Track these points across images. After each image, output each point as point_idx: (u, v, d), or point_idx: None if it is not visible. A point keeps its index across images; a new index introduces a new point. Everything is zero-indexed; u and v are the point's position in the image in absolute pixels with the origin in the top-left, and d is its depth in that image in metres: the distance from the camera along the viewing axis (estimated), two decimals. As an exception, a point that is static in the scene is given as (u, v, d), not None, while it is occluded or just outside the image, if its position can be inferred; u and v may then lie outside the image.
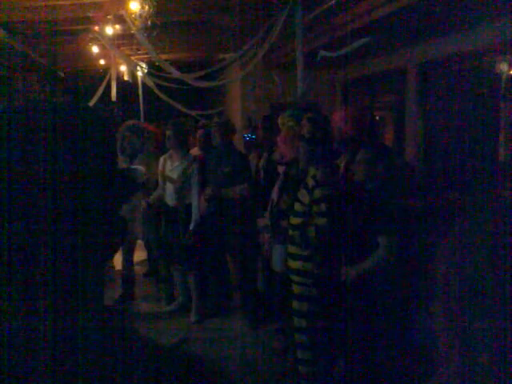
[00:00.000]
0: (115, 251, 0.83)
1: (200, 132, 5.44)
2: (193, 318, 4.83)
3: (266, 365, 3.94)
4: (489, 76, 4.82)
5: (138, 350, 0.83)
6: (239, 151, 4.91)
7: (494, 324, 1.25)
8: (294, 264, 3.30)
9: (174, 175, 4.73)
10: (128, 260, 5.40)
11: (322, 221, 3.10)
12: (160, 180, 4.89)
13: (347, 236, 3.06)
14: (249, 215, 4.41)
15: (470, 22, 4.14)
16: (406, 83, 5.64)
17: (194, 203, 4.63)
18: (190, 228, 4.61)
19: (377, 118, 7.18)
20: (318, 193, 3.12)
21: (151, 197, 4.91)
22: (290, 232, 3.30)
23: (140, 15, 5.05)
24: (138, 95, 9.69)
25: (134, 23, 5.31)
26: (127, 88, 9.37)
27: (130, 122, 5.42)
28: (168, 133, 4.77)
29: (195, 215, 4.61)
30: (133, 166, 5.85)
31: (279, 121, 4.25)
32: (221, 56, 8.69)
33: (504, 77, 4.73)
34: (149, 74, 8.52)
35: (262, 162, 4.66)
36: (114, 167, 0.78)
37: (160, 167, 4.87)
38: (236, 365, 3.98)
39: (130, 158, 5.24)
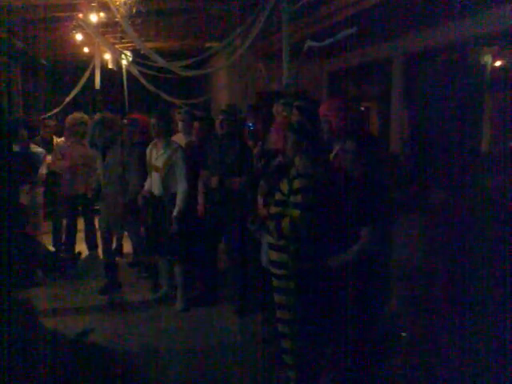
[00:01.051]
0: (16, 240, 0.83)
1: (196, 124, 5.37)
2: (178, 306, 4.86)
3: (252, 354, 3.97)
4: (473, 67, 4.86)
5: (39, 341, 0.84)
6: (243, 142, 4.90)
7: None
8: (272, 255, 3.32)
9: (159, 164, 4.71)
10: (106, 249, 5.41)
11: (296, 212, 3.09)
12: (148, 170, 4.87)
13: (325, 228, 3.07)
14: (247, 206, 4.41)
15: (454, 13, 4.16)
16: (391, 74, 5.66)
17: (180, 190, 4.63)
18: (174, 214, 4.60)
19: (362, 108, 7.20)
20: (296, 183, 3.11)
21: (144, 188, 4.88)
22: (268, 222, 3.31)
23: (125, 3, 5.00)
24: (122, 84, 9.60)
25: (118, 11, 5.24)
26: (111, 76, 9.27)
27: (99, 116, 5.35)
28: (152, 121, 4.76)
29: (180, 201, 4.61)
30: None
31: (274, 110, 4.24)
32: (207, 45, 8.64)
33: (488, 68, 4.78)
34: (134, 62, 8.44)
35: (256, 151, 4.65)
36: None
37: (147, 157, 4.86)
38: (222, 353, 4.02)
39: (102, 151, 5.20)
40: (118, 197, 5.06)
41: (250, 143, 4.96)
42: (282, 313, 3.31)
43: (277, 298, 3.32)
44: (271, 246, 3.33)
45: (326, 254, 3.07)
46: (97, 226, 6.07)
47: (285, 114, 3.91)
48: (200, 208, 4.88)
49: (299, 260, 3.17)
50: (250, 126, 5.24)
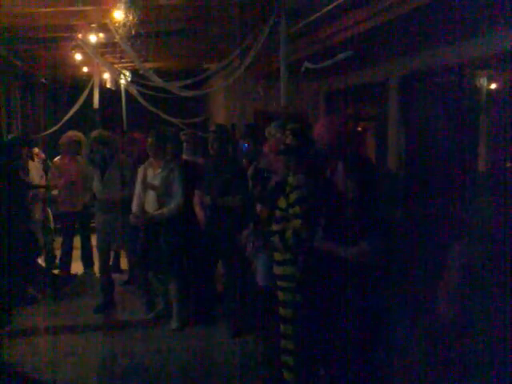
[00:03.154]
0: None
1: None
2: (173, 325, 4.82)
3: (248, 374, 3.94)
4: (469, 89, 4.91)
5: None
6: (237, 160, 4.92)
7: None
8: (278, 270, 3.37)
9: (156, 182, 4.72)
10: (104, 268, 5.38)
11: (297, 222, 3.18)
12: (139, 188, 4.86)
13: (327, 238, 3.10)
14: (242, 225, 4.42)
15: (450, 36, 4.21)
16: (387, 95, 5.71)
17: (172, 205, 4.68)
18: (153, 214, 4.66)
19: (359, 129, 7.24)
20: (292, 196, 3.25)
21: (134, 208, 4.86)
22: (272, 238, 3.37)
23: (124, 24, 5.04)
24: (121, 103, 9.65)
25: (117, 32, 5.29)
26: (110, 96, 9.33)
27: (96, 133, 5.38)
28: (149, 141, 4.78)
29: (167, 210, 4.66)
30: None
31: (266, 132, 4.29)
32: (205, 66, 8.71)
33: (484, 90, 4.82)
34: (132, 82, 8.50)
35: (250, 171, 4.67)
36: None
37: (140, 175, 4.86)
38: (217, 374, 3.98)
39: (101, 168, 5.21)
40: (116, 214, 5.05)
41: (245, 162, 4.98)
42: (286, 327, 3.32)
43: (282, 311, 3.33)
44: (276, 262, 3.38)
45: (331, 263, 3.07)
46: (93, 243, 6.05)
47: (278, 135, 3.97)
48: (201, 221, 4.84)
49: (306, 271, 3.20)
50: (244, 146, 5.27)
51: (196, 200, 4.84)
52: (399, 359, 2.72)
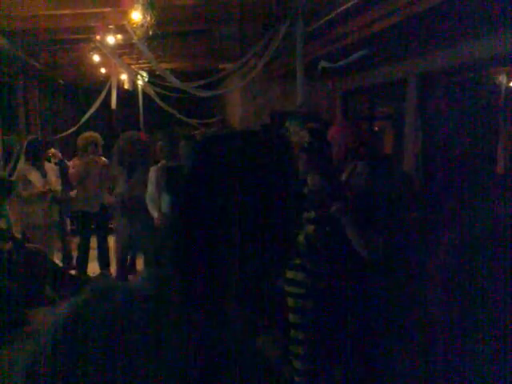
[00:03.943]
0: None
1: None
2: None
3: (262, 375, 3.91)
4: (488, 88, 4.85)
5: None
6: None
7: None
8: (289, 273, 3.31)
9: None
10: (121, 268, 5.42)
11: (310, 228, 3.13)
12: (152, 190, 4.87)
13: (340, 245, 3.07)
14: None
15: (469, 34, 4.17)
16: (405, 94, 5.66)
17: None
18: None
19: (376, 128, 7.20)
20: (308, 200, 3.18)
21: (151, 210, 4.88)
22: None
23: (142, 25, 5.07)
24: (137, 104, 9.72)
25: (135, 33, 5.33)
26: (127, 96, 9.40)
27: (129, 133, 5.42)
28: (161, 143, 4.78)
29: None
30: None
31: (291, 130, 4.29)
32: (221, 66, 8.74)
33: (503, 89, 4.76)
34: (149, 82, 8.55)
35: None
36: None
37: (154, 177, 4.87)
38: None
39: (128, 170, 5.23)
40: (139, 215, 5.06)
41: None
42: (297, 333, 3.29)
43: (292, 317, 3.30)
44: (288, 266, 3.33)
45: (342, 270, 3.06)
46: (111, 244, 6.09)
47: (296, 139, 3.96)
48: None
49: (317, 277, 3.17)
50: None
51: None
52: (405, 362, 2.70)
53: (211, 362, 0.76)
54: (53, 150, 7.04)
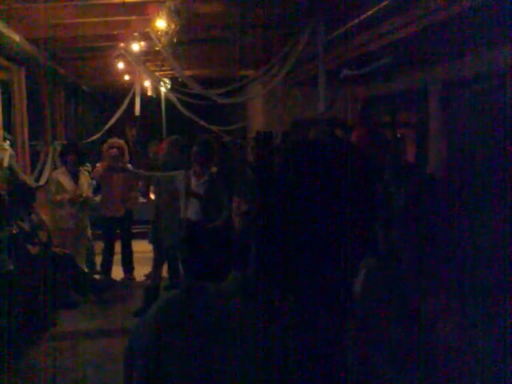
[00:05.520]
0: None
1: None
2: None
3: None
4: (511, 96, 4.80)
5: None
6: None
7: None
8: None
9: (201, 191, 4.76)
10: (157, 271, 5.45)
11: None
12: (183, 196, 4.92)
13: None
14: None
15: (491, 42, 4.15)
16: (428, 102, 5.64)
17: (223, 216, 4.60)
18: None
19: (398, 135, 7.17)
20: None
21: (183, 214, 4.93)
22: None
23: (166, 32, 5.15)
24: (160, 110, 9.83)
25: (159, 40, 5.41)
26: (150, 103, 9.52)
27: (174, 137, 5.51)
28: (195, 149, 4.83)
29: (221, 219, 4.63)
30: None
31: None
32: (242, 73, 8.80)
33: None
34: (172, 89, 8.64)
35: None
36: None
37: (184, 184, 4.91)
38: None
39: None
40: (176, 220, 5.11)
41: None
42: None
43: None
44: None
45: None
46: (135, 248, 6.15)
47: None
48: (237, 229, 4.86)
49: None
50: None
51: (233, 207, 4.87)
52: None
53: (295, 361, 0.85)
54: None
